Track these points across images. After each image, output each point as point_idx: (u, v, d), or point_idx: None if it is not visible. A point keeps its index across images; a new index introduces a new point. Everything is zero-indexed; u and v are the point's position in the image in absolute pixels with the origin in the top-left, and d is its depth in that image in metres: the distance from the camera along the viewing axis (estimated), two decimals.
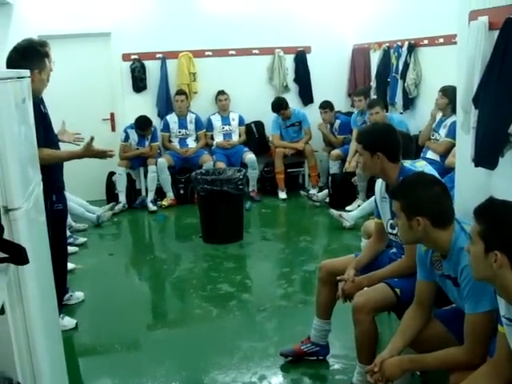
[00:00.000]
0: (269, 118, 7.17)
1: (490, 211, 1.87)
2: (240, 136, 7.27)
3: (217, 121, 7.24)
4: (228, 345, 3.51)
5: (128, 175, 6.82)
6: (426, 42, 5.88)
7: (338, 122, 6.99)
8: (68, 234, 4.88)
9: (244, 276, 4.78)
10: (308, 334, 3.25)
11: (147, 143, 6.83)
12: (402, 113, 6.29)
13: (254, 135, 7.36)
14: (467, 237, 2.12)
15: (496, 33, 2.57)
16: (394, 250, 3.02)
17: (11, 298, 1.86)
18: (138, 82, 7.13)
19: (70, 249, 4.84)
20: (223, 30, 7.12)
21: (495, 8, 2.63)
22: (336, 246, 5.32)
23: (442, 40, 5.53)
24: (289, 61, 7.55)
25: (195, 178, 5.53)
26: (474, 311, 2.14)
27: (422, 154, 5.25)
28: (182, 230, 6.27)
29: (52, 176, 3.39)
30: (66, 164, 3.71)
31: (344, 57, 7.68)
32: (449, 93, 4.95)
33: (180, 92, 7.04)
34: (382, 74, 6.62)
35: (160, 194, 6.86)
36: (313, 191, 6.85)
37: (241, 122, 7.28)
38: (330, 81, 7.56)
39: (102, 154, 3.67)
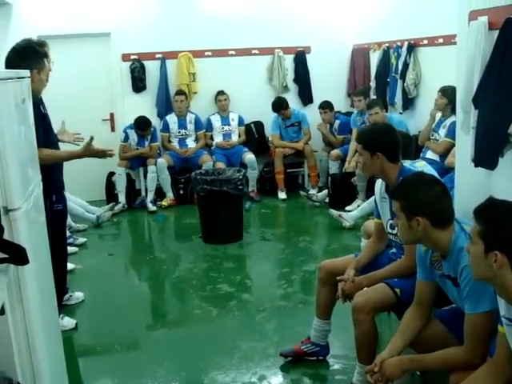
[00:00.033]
0: (268, 118, 7.17)
1: (490, 211, 1.87)
2: (240, 136, 7.27)
3: (216, 121, 7.24)
4: (228, 345, 3.51)
5: (128, 175, 6.82)
6: (425, 42, 5.88)
7: (337, 122, 6.99)
8: (68, 234, 4.88)
9: (244, 276, 4.78)
10: (308, 334, 3.25)
11: (147, 143, 6.83)
12: (401, 113, 6.29)
13: (254, 135, 7.36)
14: (467, 237, 2.12)
15: (496, 33, 2.57)
16: (393, 250, 3.02)
17: (11, 299, 1.86)
18: (138, 82, 7.13)
19: (70, 249, 4.84)
20: (223, 30, 7.12)
21: (495, 8, 2.63)
22: (336, 246, 5.32)
23: (441, 40, 5.53)
24: (288, 61, 7.55)
25: (195, 179, 5.53)
26: (474, 311, 2.14)
27: (421, 154, 5.25)
28: (182, 231, 6.27)
29: (52, 176, 3.39)
30: (65, 164, 3.71)
31: (344, 57, 7.68)
32: (448, 93, 4.95)
33: (179, 92, 7.03)
34: (382, 74, 6.62)
35: (160, 194, 6.86)
36: (312, 191, 6.85)
37: (240, 122, 7.28)
38: (330, 81, 7.56)
39: (102, 154, 3.68)
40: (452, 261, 2.27)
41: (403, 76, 6.14)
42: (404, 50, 6.11)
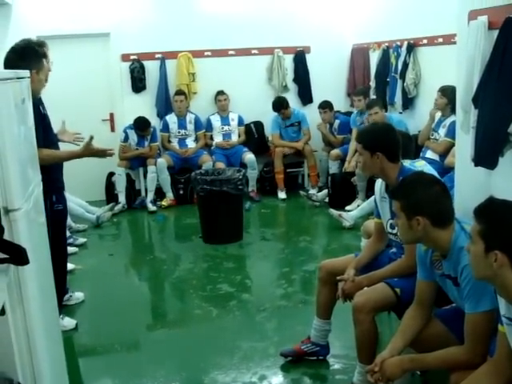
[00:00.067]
0: (268, 118, 7.18)
1: (490, 211, 1.87)
2: (239, 136, 7.27)
3: (216, 121, 7.24)
4: (228, 345, 3.51)
5: (127, 175, 6.82)
6: (425, 41, 5.89)
7: (337, 121, 6.99)
8: (68, 234, 4.87)
9: (244, 276, 4.78)
10: (308, 333, 3.26)
11: (147, 143, 6.83)
12: (401, 112, 6.29)
13: (254, 135, 7.36)
14: (467, 236, 2.12)
15: (495, 32, 2.57)
16: (393, 249, 3.02)
17: (11, 299, 1.86)
18: (138, 83, 7.13)
19: (70, 249, 4.84)
20: (222, 30, 7.12)
21: (495, 7, 2.63)
22: (336, 246, 5.32)
23: (441, 40, 5.53)
24: (288, 61, 7.55)
25: (195, 179, 5.53)
26: (475, 311, 2.14)
27: (421, 154, 5.25)
28: (182, 231, 6.27)
29: (52, 176, 3.40)
30: (65, 164, 3.72)
31: (343, 57, 7.68)
32: (448, 93, 4.95)
33: (179, 92, 7.03)
34: (382, 74, 6.62)
35: (159, 194, 6.86)
36: (312, 191, 6.85)
37: (240, 122, 7.28)
38: (330, 81, 7.56)
39: (102, 153, 3.68)
40: (452, 260, 2.27)
41: (403, 76, 6.14)
42: (404, 49, 6.11)
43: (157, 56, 7.14)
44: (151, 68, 7.15)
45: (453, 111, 4.73)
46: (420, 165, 2.96)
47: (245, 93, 7.31)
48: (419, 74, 6.07)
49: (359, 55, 7.43)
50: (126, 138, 6.78)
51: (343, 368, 3.19)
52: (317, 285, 3.26)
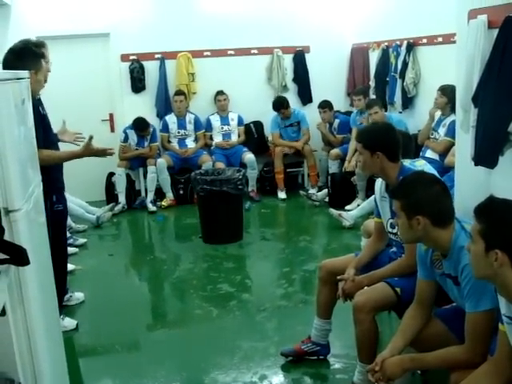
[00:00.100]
0: (268, 118, 7.18)
1: (491, 210, 1.87)
2: (239, 136, 7.27)
3: (216, 121, 7.24)
4: (228, 345, 3.51)
5: (127, 176, 6.82)
6: (424, 41, 5.89)
7: (337, 121, 6.99)
8: (68, 234, 4.87)
9: (244, 276, 4.78)
10: (308, 333, 3.26)
11: (146, 144, 6.83)
12: (401, 112, 6.29)
13: (253, 135, 7.36)
14: (467, 236, 2.13)
15: (495, 31, 2.57)
16: (394, 249, 3.03)
17: (12, 299, 1.86)
18: (137, 83, 7.13)
19: (70, 250, 4.84)
20: (222, 30, 7.12)
21: (494, 6, 2.62)
22: (336, 246, 5.32)
23: (440, 39, 5.54)
24: (287, 60, 7.55)
25: (194, 179, 5.53)
26: (475, 310, 2.14)
27: (421, 153, 5.25)
28: (182, 231, 6.27)
29: (52, 176, 3.40)
30: (65, 165, 3.72)
31: (343, 56, 7.68)
32: (448, 92, 4.95)
33: (179, 92, 7.03)
34: (381, 74, 6.62)
35: (159, 194, 6.86)
36: (312, 191, 6.85)
37: (240, 122, 7.28)
38: (329, 80, 7.56)
39: (102, 153, 3.69)
40: (452, 260, 2.27)
41: (402, 75, 6.14)
42: (403, 49, 6.11)
43: (156, 56, 7.14)
44: (151, 68, 7.15)
45: (452, 110, 4.73)
46: (420, 164, 2.97)
47: (244, 93, 7.31)
48: (419, 74, 6.07)
49: (359, 55, 7.43)
50: (126, 139, 6.78)
51: (344, 367, 3.19)
52: (317, 284, 3.26)
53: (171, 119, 7.08)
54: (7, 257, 1.69)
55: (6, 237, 1.75)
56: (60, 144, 3.86)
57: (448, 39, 5.12)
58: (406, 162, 2.89)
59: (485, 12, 2.68)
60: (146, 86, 7.18)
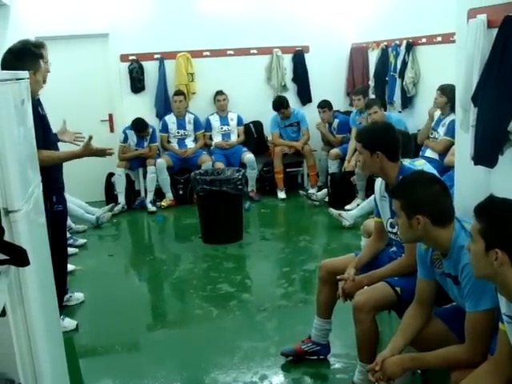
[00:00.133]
0: (267, 118, 7.18)
1: (491, 209, 1.87)
2: (239, 136, 7.27)
3: (215, 121, 7.24)
4: (229, 345, 3.51)
5: (127, 176, 6.82)
6: (424, 40, 5.89)
7: (336, 121, 6.99)
8: (67, 235, 4.87)
9: (244, 276, 4.78)
10: (308, 333, 3.26)
11: (146, 144, 6.83)
12: (400, 111, 6.29)
13: (253, 135, 7.36)
14: (467, 235, 2.13)
15: (495, 31, 2.57)
16: (393, 248, 3.03)
17: (12, 300, 1.86)
18: (136, 83, 7.12)
19: (70, 250, 4.84)
20: (221, 30, 7.12)
21: (494, 6, 2.62)
22: (336, 246, 5.32)
23: (440, 38, 5.54)
24: (287, 60, 7.55)
25: (194, 179, 5.53)
26: (475, 309, 2.14)
27: (420, 153, 5.26)
28: (182, 231, 6.27)
29: (52, 176, 3.40)
30: (65, 165, 3.72)
31: (342, 56, 7.68)
32: (447, 91, 4.95)
33: (178, 92, 7.03)
34: (381, 73, 6.63)
35: (159, 194, 6.86)
36: (312, 190, 6.85)
37: (239, 122, 7.28)
38: (329, 80, 7.56)
39: (101, 153, 3.69)
40: (452, 259, 2.27)
41: (402, 75, 6.14)
42: (403, 48, 6.11)
43: (156, 56, 7.14)
44: (150, 68, 7.15)
45: (452, 110, 4.74)
46: (420, 164, 2.97)
47: (244, 93, 7.31)
48: (418, 73, 6.07)
49: (358, 54, 7.43)
50: (126, 139, 6.78)
51: (344, 367, 3.20)
52: (317, 284, 3.26)
53: (171, 119, 7.08)
54: (7, 257, 1.69)
55: (6, 237, 1.76)
56: (60, 144, 3.86)
57: (447, 39, 5.12)
58: (406, 162, 2.89)
59: (484, 11, 2.68)
60: (146, 87, 7.18)
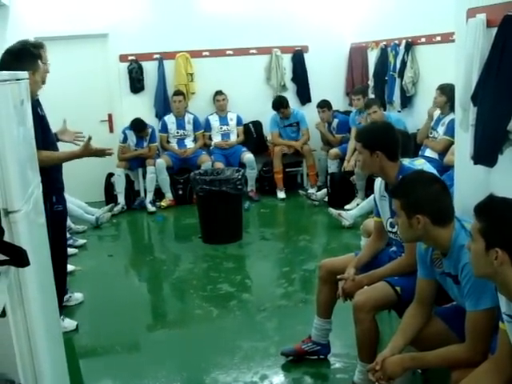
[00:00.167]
0: (267, 118, 7.18)
1: (491, 208, 1.87)
2: (238, 136, 7.27)
3: (215, 121, 7.24)
4: (229, 345, 3.51)
5: (127, 176, 6.82)
6: (423, 40, 5.89)
7: (335, 120, 7.00)
8: (67, 235, 4.87)
9: (244, 276, 4.78)
10: (309, 333, 3.26)
11: (145, 144, 6.83)
12: (399, 111, 6.29)
13: (252, 135, 7.36)
14: (467, 234, 2.13)
15: (494, 30, 2.56)
16: (393, 248, 3.03)
17: (12, 301, 1.86)
18: (136, 83, 7.12)
19: (70, 250, 4.83)
20: (220, 30, 7.12)
21: (493, 5, 2.62)
22: (335, 245, 5.33)
23: (439, 38, 5.54)
24: (286, 60, 7.55)
25: (194, 179, 5.53)
26: (475, 309, 2.14)
27: (420, 152, 5.26)
28: (181, 231, 6.26)
29: (51, 177, 3.40)
30: (64, 165, 3.72)
31: (341, 56, 7.68)
32: (447, 91, 4.96)
33: (178, 92, 7.03)
34: (380, 73, 6.63)
35: (159, 194, 6.86)
36: (311, 190, 6.85)
37: (239, 121, 7.28)
38: (328, 80, 7.56)
39: (101, 153, 3.69)
40: (452, 258, 2.27)
41: (401, 74, 6.14)
42: (402, 48, 6.11)
43: (155, 56, 7.14)
44: (149, 68, 7.14)
45: (452, 109, 4.75)
46: (419, 163, 2.97)
47: (243, 93, 7.31)
48: (417, 73, 6.08)
49: (357, 54, 7.43)
50: (125, 139, 6.78)
51: (344, 367, 3.20)
52: (317, 284, 3.26)
53: (170, 119, 7.07)
54: (7, 258, 1.69)
55: (6, 238, 1.76)
56: (59, 144, 3.85)
57: (446, 38, 5.12)
58: (406, 161, 2.89)
59: (483, 11, 2.68)
60: (145, 87, 7.18)
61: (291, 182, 7.30)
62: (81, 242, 5.58)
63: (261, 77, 7.53)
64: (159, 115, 7.19)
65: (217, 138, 7.20)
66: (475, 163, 2.76)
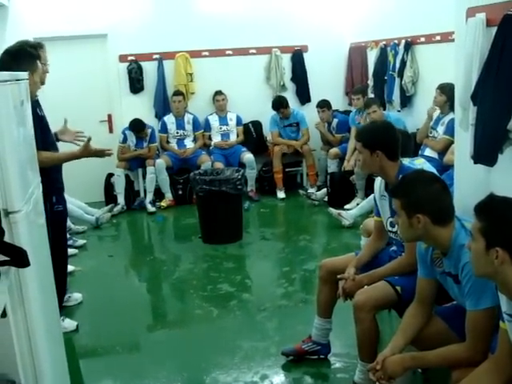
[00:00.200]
0: (266, 118, 7.17)
1: (491, 208, 1.87)
2: (238, 136, 7.26)
3: (214, 121, 7.24)
4: (229, 345, 3.51)
5: (126, 176, 6.82)
6: (422, 39, 5.89)
7: (335, 120, 6.99)
8: (67, 236, 4.87)
9: (244, 276, 4.78)
10: (309, 332, 3.26)
11: (145, 144, 6.83)
12: (399, 111, 6.29)
13: (252, 135, 7.36)
14: (467, 234, 2.13)
15: (494, 29, 2.57)
16: (394, 247, 3.03)
17: (13, 301, 1.86)
18: (135, 83, 7.12)
19: (70, 251, 4.82)
20: (220, 30, 7.12)
21: (493, 4, 2.62)
22: (335, 245, 5.32)
23: (438, 37, 5.53)
24: (286, 60, 7.55)
25: (194, 179, 5.53)
26: (476, 308, 2.14)
27: (419, 152, 5.26)
28: (181, 231, 6.26)
29: (51, 177, 3.40)
30: (64, 166, 3.72)
31: (341, 55, 7.68)
32: (447, 90, 4.95)
33: (177, 93, 7.03)
34: (379, 72, 6.63)
35: (158, 194, 6.86)
36: (311, 190, 6.85)
37: (238, 121, 7.28)
38: (327, 79, 7.56)
39: (100, 154, 3.69)
40: (453, 258, 2.27)
41: (401, 74, 6.14)
42: (401, 47, 6.11)
43: (154, 57, 7.14)
44: (149, 69, 7.14)
45: (451, 109, 4.75)
46: (419, 163, 2.97)
47: (243, 92, 7.31)
48: (417, 72, 6.07)
49: (357, 54, 7.43)
50: (125, 140, 6.78)
51: (344, 367, 3.20)
52: (317, 284, 3.26)
53: (170, 119, 7.07)
54: (7, 258, 1.69)
55: (6, 238, 1.76)
56: (59, 144, 3.85)
57: (446, 37, 5.13)
58: (405, 161, 2.89)
59: (483, 10, 2.68)
60: (145, 87, 7.18)
61: (291, 182, 7.30)
62: (81, 242, 5.58)
63: (260, 77, 7.53)
64: (159, 115, 7.19)
65: (216, 138, 7.20)
66: (475, 162, 2.76)
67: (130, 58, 7.05)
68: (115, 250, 5.54)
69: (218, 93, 7.20)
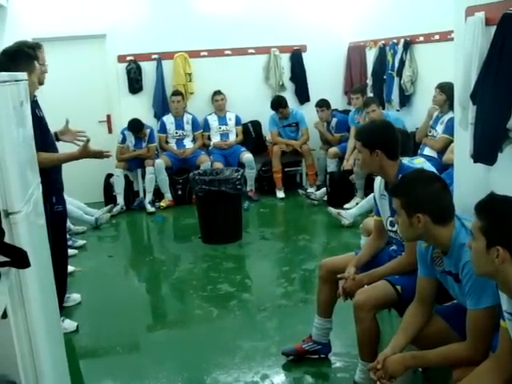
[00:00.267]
0: (266, 118, 7.17)
1: (491, 207, 1.87)
2: (237, 136, 7.26)
3: (213, 121, 7.24)
4: (229, 345, 3.51)
5: (126, 177, 6.82)
6: (421, 38, 5.89)
7: (334, 120, 7.00)
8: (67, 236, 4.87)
9: (244, 276, 4.78)
10: (309, 332, 3.26)
11: (144, 145, 6.83)
12: (398, 110, 6.29)
13: (251, 135, 7.36)
14: (468, 233, 2.13)
15: (493, 28, 2.57)
16: (394, 247, 3.03)
17: (13, 302, 1.86)
18: (134, 84, 7.12)
19: (69, 251, 4.81)
20: (218, 30, 7.12)
21: (492, 3, 2.63)
22: (335, 245, 5.32)
23: (437, 37, 5.53)
24: (284, 60, 7.55)
25: (193, 179, 5.53)
26: (476, 307, 2.14)
27: (418, 151, 5.26)
28: (181, 231, 6.26)
29: (51, 177, 3.40)
30: (63, 166, 3.72)
31: (340, 55, 7.68)
32: (446, 89, 4.95)
33: (176, 93, 7.03)
34: (378, 72, 6.63)
35: (158, 195, 6.86)
36: (311, 190, 6.85)
37: (237, 121, 7.28)
38: (326, 79, 7.56)
39: (99, 155, 3.69)
40: (453, 257, 2.27)
41: (400, 73, 6.14)
42: (400, 47, 6.11)
43: (153, 57, 7.14)
44: (148, 69, 7.14)
45: (451, 108, 4.75)
46: (419, 162, 2.97)
47: (242, 92, 7.31)
48: (416, 72, 6.07)
49: (356, 53, 7.43)
50: (124, 140, 6.78)
51: (345, 366, 3.20)
52: (317, 283, 3.26)
53: (169, 120, 7.07)
54: (8, 259, 1.69)
55: (6, 239, 1.75)
56: (59, 144, 3.85)
57: (445, 37, 5.13)
58: (405, 160, 2.89)
59: (482, 9, 2.68)
60: (143, 87, 7.17)
61: (290, 182, 7.30)
62: (80, 242, 5.58)
63: (259, 76, 7.53)
64: (158, 115, 7.19)
65: (216, 138, 7.20)
66: (475, 161, 2.76)
67: (128, 58, 7.04)
68: (115, 251, 5.54)
69: (217, 93, 7.20)
